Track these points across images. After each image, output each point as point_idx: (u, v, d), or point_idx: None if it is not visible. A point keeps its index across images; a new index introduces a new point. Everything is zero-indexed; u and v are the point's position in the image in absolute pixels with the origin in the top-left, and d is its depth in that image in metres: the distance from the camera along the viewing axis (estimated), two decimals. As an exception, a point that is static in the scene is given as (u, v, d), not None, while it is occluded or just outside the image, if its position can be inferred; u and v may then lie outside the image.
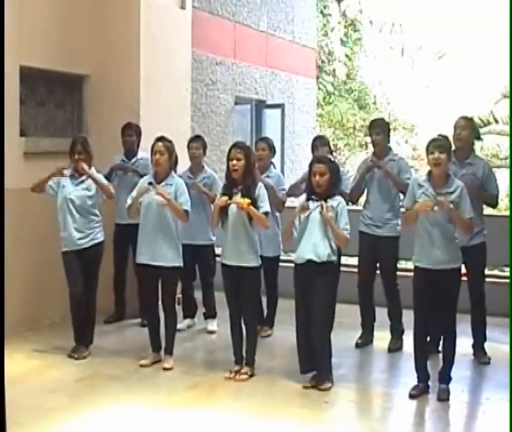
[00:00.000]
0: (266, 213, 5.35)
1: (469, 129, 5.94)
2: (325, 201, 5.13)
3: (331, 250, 5.16)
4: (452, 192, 4.98)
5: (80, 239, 5.84)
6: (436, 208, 4.89)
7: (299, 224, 5.23)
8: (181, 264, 5.77)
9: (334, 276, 5.33)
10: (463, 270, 5.92)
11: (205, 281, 6.91)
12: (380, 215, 6.24)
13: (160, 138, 5.72)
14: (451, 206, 4.90)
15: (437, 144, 5.03)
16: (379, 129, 6.34)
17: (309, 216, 5.16)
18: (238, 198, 5.26)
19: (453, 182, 5.03)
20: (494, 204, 6.06)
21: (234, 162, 5.29)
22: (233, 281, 5.41)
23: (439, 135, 5.30)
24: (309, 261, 5.13)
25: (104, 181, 6.03)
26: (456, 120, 6.00)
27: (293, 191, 6.62)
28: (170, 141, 5.72)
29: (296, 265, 5.29)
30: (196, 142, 6.82)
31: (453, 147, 5.81)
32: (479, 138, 6.16)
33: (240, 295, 5.42)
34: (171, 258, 5.63)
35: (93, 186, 5.89)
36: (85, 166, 5.84)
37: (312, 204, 5.18)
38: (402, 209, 5.49)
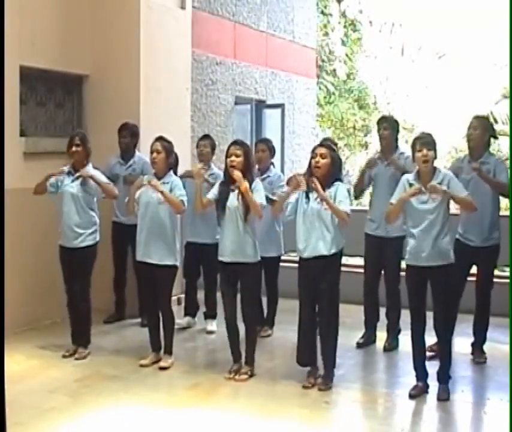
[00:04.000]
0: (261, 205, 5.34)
1: (481, 129, 5.89)
2: (323, 189, 5.07)
3: (334, 241, 5.14)
4: (440, 183, 4.97)
5: (71, 238, 5.86)
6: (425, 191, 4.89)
7: (295, 208, 5.20)
8: (176, 263, 5.77)
9: (338, 268, 5.30)
10: (474, 270, 5.95)
11: (208, 279, 6.91)
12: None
13: (159, 138, 5.74)
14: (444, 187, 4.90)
15: (425, 141, 5.01)
16: (387, 124, 6.34)
17: (308, 210, 5.14)
18: (238, 175, 5.23)
19: (439, 174, 5.03)
20: (506, 194, 6.04)
21: (233, 158, 5.30)
22: (231, 278, 5.40)
23: (423, 133, 5.30)
24: (315, 256, 5.13)
25: (105, 180, 6.00)
26: (471, 120, 5.97)
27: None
28: (169, 142, 5.74)
29: (300, 260, 5.28)
30: (205, 140, 6.87)
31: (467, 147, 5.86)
32: (495, 136, 6.12)
33: (240, 294, 5.43)
34: (163, 256, 5.64)
35: (90, 182, 5.89)
36: (85, 171, 5.83)
37: (311, 196, 5.15)
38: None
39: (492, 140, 6.03)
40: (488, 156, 5.95)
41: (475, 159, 5.88)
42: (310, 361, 5.30)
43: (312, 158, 5.19)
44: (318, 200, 5.08)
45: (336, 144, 6.59)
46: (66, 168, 5.92)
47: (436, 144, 5.10)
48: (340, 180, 5.24)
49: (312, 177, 5.08)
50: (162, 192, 5.53)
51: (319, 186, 5.02)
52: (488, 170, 5.84)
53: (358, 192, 6.53)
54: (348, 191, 5.28)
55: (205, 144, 6.81)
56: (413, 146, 5.08)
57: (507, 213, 8.17)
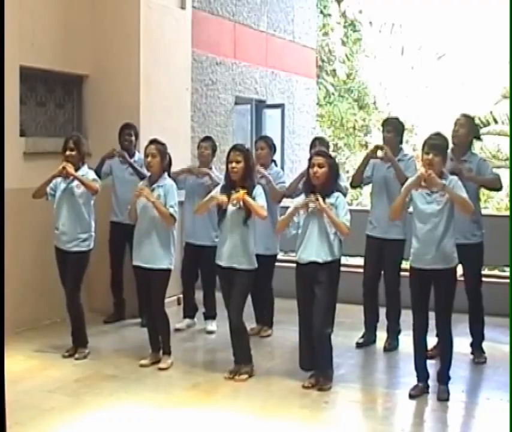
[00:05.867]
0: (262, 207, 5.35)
1: (468, 127, 5.93)
2: (323, 198, 5.11)
3: (332, 249, 5.16)
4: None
5: (65, 241, 5.87)
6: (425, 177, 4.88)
7: (298, 222, 5.25)
8: (170, 267, 5.74)
9: (334, 276, 5.32)
10: (460, 269, 5.94)
11: (206, 281, 6.90)
12: (386, 218, 6.22)
13: (153, 141, 5.75)
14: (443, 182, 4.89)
15: (433, 144, 4.99)
16: (390, 127, 6.33)
17: (306, 218, 5.17)
18: (234, 195, 5.25)
19: (446, 178, 5.01)
20: (498, 187, 6.02)
21: (234, 164, 5.31)
22: (227, 282, 5.41)
23: (437, 133, 5.25)
24: (311, 262, 5.15)
25: (90, 177, 5.93)
26: (457, 118, 6.00)
27: (291, 190, 6.58)
28: (163, 144, 5.75)
29: (298, 265, 5.30)
30: (206, 142, 6.87)
31: (451, 144, 5.82)
32: (478, 137, 6.13)
33: (230, 295, 5.40)
34: (157, 260, 5.63)
35: (75, 188, 5.86)
36: (69, 168, 5.78)
37: (311, 204, 5.17)
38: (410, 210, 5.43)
39: (474, 140, 6.04)
40: (471, 155, 5.97)
41: (458, 157, 5.88)
42: (312, 365, 5.30)
43: (309, 167, 5.21)
44: (315, 205, 5.11)
45: (327, 144, 6.60)
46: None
47: (447, 147, 5.08)
48: (338, 189, 5.28)
49: (315, 194, 5.10)
50: (153, 203, 5.53)
51: (322, 203, 5.05)
52: (470, 169, 5.83)
53: (355, 181, 6.44)
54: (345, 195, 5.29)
55: (206, 146, 6.81)
56: (423, 148, 5.07)
57: (507, 213, 8.18)
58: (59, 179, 5.89)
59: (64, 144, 5.93)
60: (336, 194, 5.21)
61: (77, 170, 5.88)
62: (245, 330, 5.54)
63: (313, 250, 5.14)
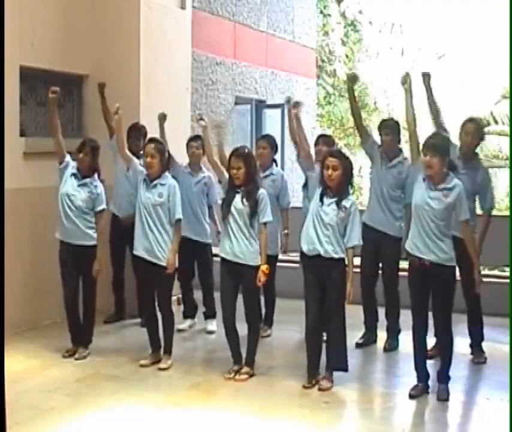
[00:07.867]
0: (265, 223, 5.38)
1: (478, 137, 5.93)
2: (340, 200, 5.13)
3: (340, 246, 5.15)
4: (450, 189, 4.96)
5: (78, 237, 5.83)
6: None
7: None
8: (176, 264, 5.78)
9: (344, 271, 5.30)
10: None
11: (204, 281, 6.89)
12: (383, 216, 6.21)
13: (152, 140, 5.77)
14: None
15: (430, 144, 4.99)
16: (388, 130, 6.31)
17: (320, 213, 5.16)
18: (261, 275, 5.30)
19: (452, 180, 4.99)
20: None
21: (235, 171, 5.32)
22: (231, 277, 5.40)
23: (435, 133, 5.21)
24: (318, 255, 5.14)
25: (100, 190, 5.93)
26: (465, 122, 5.95)
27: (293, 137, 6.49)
28: (161, 143, 5.78)
29: (306, 260, 5.29)
30: (196, 142, 6.78)
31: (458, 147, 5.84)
32: (482, 139, 6.14)
33: (242, 294, 5.43)
34: (164, 257, 5.63)
35: (96, 191, 5.88)
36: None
37: (326, 200, 5.17)
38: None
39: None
40: (477, 161, 5.97)
41: (464, 161, 5.82)
42: (318, 370, 5.31)
43: (324, 168, 5.17)
44: (332, 207, 5.14)
45: (333, 141, 6.56)
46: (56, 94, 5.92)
47: (447, 146, 5.06)
48: (352, 184, 5.31)
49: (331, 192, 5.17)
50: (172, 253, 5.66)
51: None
52: (474, 178, 5.78)
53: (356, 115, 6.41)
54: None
55: (197, 146, 6.69)
56: (422, 148, 5.06)
57: (507, 213, 8.18)
58: (68, 174, 5.85)
59: (81, 144, 5.92)
60: (352, 198, 5.22)
61: (85, 176, 5.88)
62: (258, 330, 5.59)
63: (324, 245, 5.12)
